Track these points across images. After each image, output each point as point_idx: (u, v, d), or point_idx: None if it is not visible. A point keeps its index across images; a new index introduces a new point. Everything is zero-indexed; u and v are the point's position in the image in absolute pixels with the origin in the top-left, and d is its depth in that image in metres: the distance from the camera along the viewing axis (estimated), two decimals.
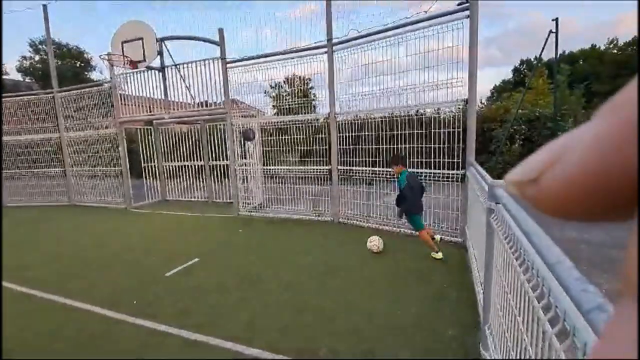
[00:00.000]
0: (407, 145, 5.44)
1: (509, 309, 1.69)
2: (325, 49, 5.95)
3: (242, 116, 7.26)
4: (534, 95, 13.19)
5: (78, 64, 27.64)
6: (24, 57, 26.79)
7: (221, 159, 8.60)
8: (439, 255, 4.25)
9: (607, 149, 0.13)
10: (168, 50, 7.43)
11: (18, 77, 26.69)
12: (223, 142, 8.33)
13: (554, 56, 9.25)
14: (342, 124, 6.10)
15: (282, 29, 8.10)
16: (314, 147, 6.55)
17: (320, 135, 6.48)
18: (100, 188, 8.82)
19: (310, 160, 6.66)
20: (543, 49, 8.93)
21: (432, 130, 5.17)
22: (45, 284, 3.92)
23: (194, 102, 7.45)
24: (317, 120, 6.58)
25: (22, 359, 2.61)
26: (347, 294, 3.48)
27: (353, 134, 6.01)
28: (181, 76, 7.32)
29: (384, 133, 5.71)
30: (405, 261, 4.30)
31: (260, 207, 7.36)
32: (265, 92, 7.30)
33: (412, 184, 4.13)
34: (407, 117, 5.44)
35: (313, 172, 6.63)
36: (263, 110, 7.43)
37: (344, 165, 6.14)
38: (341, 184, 6.27)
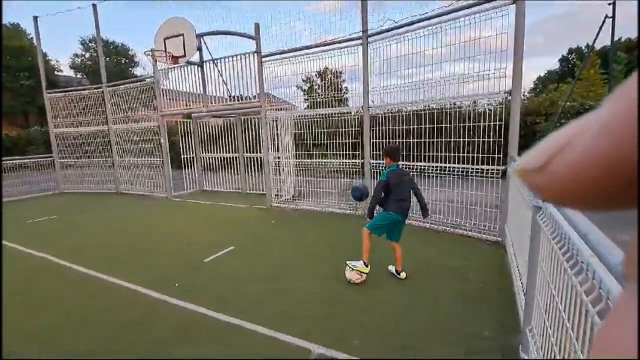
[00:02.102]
0: (442, 139, 5.27)
1: (556, 311, 1.61)
2: (360, 41, 5.87)
3: (276, 109, 7.38)
4: (585, 87, 12.22)
5: (123, 60, 29.21)
6: (76, 55, 28.67)
7: (254, 151, 8.81)
8: (365, 268, 3.51)
9: (615, 134, 0.13)
10: (206, 46, 7.68)
11: (71, 73, 28.71)
12: (257, 135, 8.51)
13: (609, 43, 8.49)
14: (375, 117, 6.02)
15: (313, 21, 8.07)
16: (346, 141, 6.52)
17: (352, 129, 6.44)
18: (143, 177, 9.37)
19: (343, 154, 6.65)
20: (597, 35, 8.22)
21: (469, 124, 4.97)
22: (99, 266, 4.26)
23: (229, 96, 7.66)
24: (349, 113, 6.54)
25: (22, 359, 2.63)
26: (382, 288, 3.47)
27: (386, 127, 5.91)
28: (218, 71, 7.54)
29: (418, 126, 5.56)
30: (442, 259, 4.21)
31: (293, 199, 7.47)
32: (297, 86, 7.36)
33: (389, 181, 3.52)
34: (443, 110, 5.27)
35: (346, 165, 6.63)
36: (294, 103, 7.51)
37: (376, 160, 6.07)
38: (374, 178, 6.21)
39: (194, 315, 3.07)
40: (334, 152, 6.82)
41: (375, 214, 3.60)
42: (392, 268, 3.75)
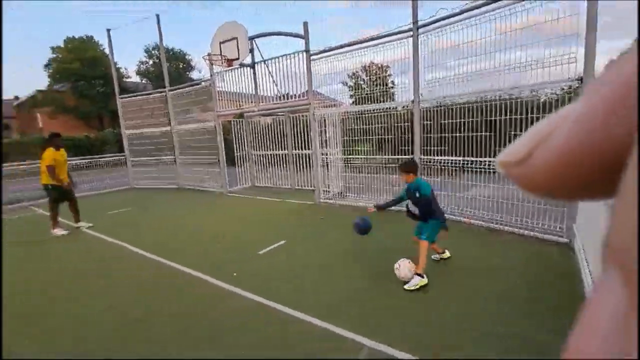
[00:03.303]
0: (497, 133, 4.96)
1: None
2: (410, 33, 5.72)
3: (324, 107, 7.48)
4: None
5: (181, 65, 31.35)
6: (141, 62, 31.37)
7: (303, 148, 9.02)
8: (424, 280, 3.41)
9: (589, 126, 0.14)
10: (258, 48, 8.01)
11: (137, 79, 31.53)
12: (305, 132, 8.71)
13: None
14: (425, 111, 5.84)
15: (358, 16, 8.00)
16: (394, 136, 6.42)
17: (400, 124, 6.32)
18: (201, 174, 10.08)
19: (390, 149, 6.56)
20: None
21: (530, 116, 4.62)
22: (166, 254, 4.72)
23: (279, 95, 7.93)
24: (395, 108, 6.42)
25: (22, 359, 2.69)
26: (437, 289, 3.41)
27: (435, 121, 5.71)
28: (269, 71, 7.83)
29: (470, 120, 5.29)
30: (500, 259, 4.01)
31: (340, 195, 7.55)
32: (343, 83, 7.39)
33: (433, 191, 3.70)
34: (499, 102, 4.95)
35: (394, 161, 6.53)
36: (340, 100, 7.55)
37: (426, 155, 5.90)
38: (423, 175, 6.04)
39: (250, 303, 3.29)
40: (381, 148, 6.75)
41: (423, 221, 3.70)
42: (436, 256, 3.99)
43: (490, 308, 2.97)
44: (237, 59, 7.88)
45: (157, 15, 10.24)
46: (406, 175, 3.61)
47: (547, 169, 0.15)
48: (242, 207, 7.67)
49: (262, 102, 8.33)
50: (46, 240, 5.81)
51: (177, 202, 8.72)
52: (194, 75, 31.25)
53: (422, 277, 3.41)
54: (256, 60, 8.13)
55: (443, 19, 5.31)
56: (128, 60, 71.98)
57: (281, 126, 9.40)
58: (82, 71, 27.60)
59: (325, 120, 7.35)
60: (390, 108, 6.46)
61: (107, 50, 28.26)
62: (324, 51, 6.89)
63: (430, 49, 5.62)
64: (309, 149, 8.42)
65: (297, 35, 7.24)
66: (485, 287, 3.35)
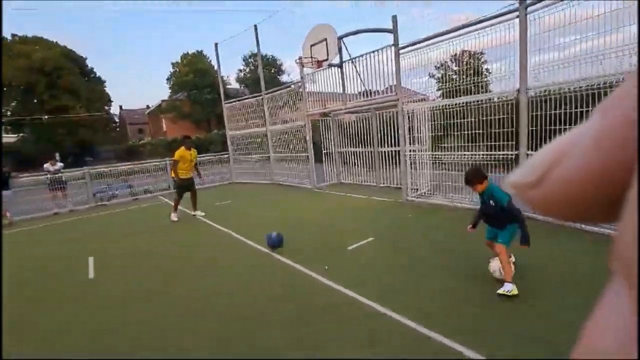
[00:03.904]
0: None
1: None
2: (517, 13, 5.11)
3: (412, 101, 7.22)
4: None
5: (272, 70, 33.81)
6: (240, 70, 34.85)
7: (388, 145, 8.85)
8: (515, 289, 3.04)
9: (607, 149, 0.13)
10: (346, 47, 8.15)
11: (236, 85, 35.15)
12: (391, 129, 8.53)
13: None
14: (532, 100, 5.15)
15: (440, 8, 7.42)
16: (490, 130, 5.81)
17: (500, 116, 5.69)
18: (291, 170, 10.77)
19: (488, 145, 5.96)
20: None
21: None
22: (263, 243, 5.21)
23: (365, 92, 7.94)
24: (491, 100, 5.79)
25: (22, 359, 2.73)
26: (532, 295, 3.02)
27: (543, 112, 4.98)
28: (356, 70, 7.91)
29: (588, 109, 4.45)
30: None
31: (429, 193, 7.21)
32: (430, 75, 7.00)
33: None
34: None
35: (492, 158, 5.93)
36: (426, 94, 7.17)
37: (535, 150, 5.19)
38: None
39: (341, 296, 3.41)
40: (477, 144, 6.19)
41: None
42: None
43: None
44: (326, 59, 8.16)
45: (255, 26, 11.25)
46: (475, 186, 3.26)
47: (564, 193, 0.15)
48: (330, 203, 7.95)
49: (350, 100, 8.46)
50: (165, 225, 6.99)
51: (271, 196, 9.51)
52: (284, 78, 33.41)
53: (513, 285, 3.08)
54: (344, 59, 8.28)
55: None
56: (228, 69, 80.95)
57: (366, 123, 9.39)
58: (194, 81, 32.14)
59: (413, 115, 7.09)
60: (485, 100, 5.88)
61: (213, 62, 32.31)
62: (413, 44, 6.63)
63: (538, 30, 4.93)
64: (394, 145, 8.24)
65: (385, 30, 7.13)
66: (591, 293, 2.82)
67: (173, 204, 7.35)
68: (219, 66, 13.05)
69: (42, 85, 28.00)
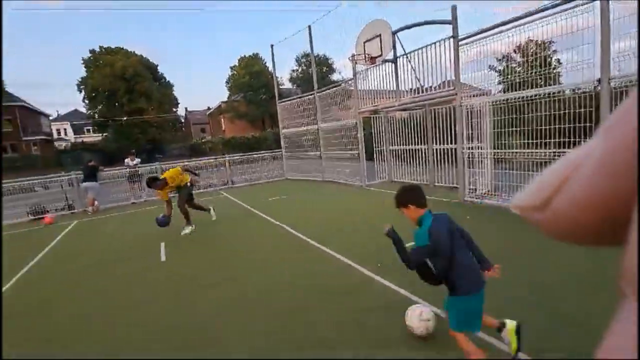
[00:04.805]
0: None
1: None
2: None
3: (472, 95, 6.82)
4: None
5: (324, 69, 34.15)
6: (293, 70, 35.80)
7: (443, 142, 8.46)
8: None
9: (609, 174, 0.13)
10: (400, 42, 7.97)
11: (289, 85, 36.16)
12: (446, 125, 8.15)
13: None
14: (615, 92, 4.58)
15: None
16: (564, 126, 5.26)
17: (573, 110, 5.13)
18: (342, 168, 10.83)
19: (558, 142, 5.41)
20: None
21: None
22: (315, 237, 5.35)
23: (421, 88, 7.68)
24: (562, 92, 5.23)
25: (22, 359, 2.74)
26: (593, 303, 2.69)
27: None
28: (411, 65, 7.69)
29: None
30: None
31: (489, 194, 6.76)
32: (490, 67, 6.53)
33: (440, 239, 2.14)
34: None
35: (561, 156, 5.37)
36: (485, 88, 6.70)
37: None
38: None
39: (396, 295, 3.39)
40: (546, 140, 5.64)
41: (453, 302, 2.24)
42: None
43: None
44: (380, 55, 8.05)
45: (309, 27, 11.48)
46: (400, 210, 2.36)
47: (571, 216, 0.15)
48: (379, 201, 7.85)
49: (403, 96, 8.25)
50: (227, 216, 7.48)
51: (322, 193, 9.66)
52: (334, 77, 33.55)
53: None
54: (398, 55, 8.10)
55: None
56: (282, 69, 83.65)
57: (419, 120, 9.08)
58: (250, 83, 33.79)
59: (473, 111, 6.69)
60: (556, 92, 5.34)
61: (268, 63, 33.58)
62: (475, 34, 6.26)
63: (617, 15, 4.36)
64: (449, 143, 7.86)
65: (444, 22, 6.83)
66: None
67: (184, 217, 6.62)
68: (274, 67, 13.59)
69: (122, 90, 31.64)
